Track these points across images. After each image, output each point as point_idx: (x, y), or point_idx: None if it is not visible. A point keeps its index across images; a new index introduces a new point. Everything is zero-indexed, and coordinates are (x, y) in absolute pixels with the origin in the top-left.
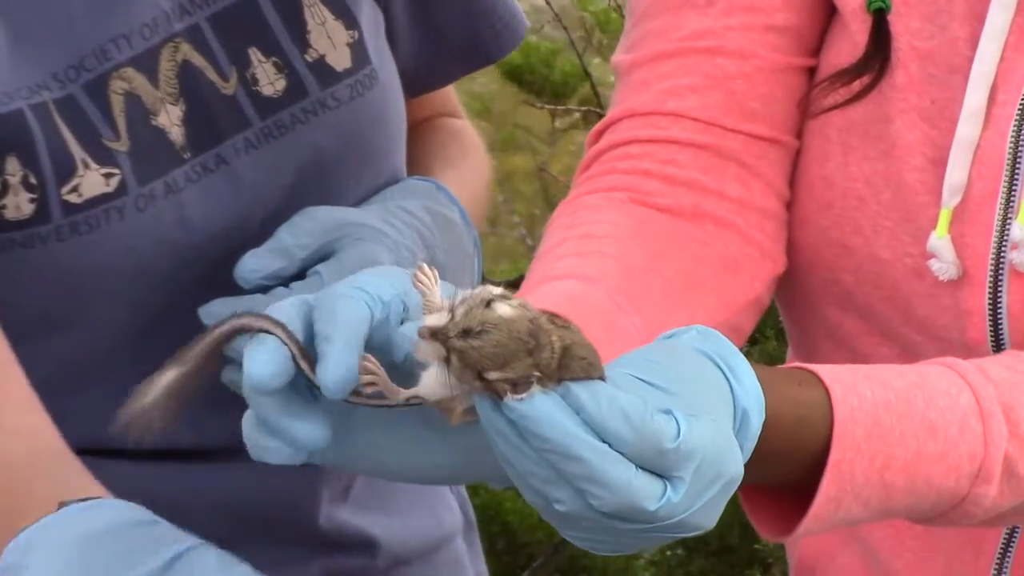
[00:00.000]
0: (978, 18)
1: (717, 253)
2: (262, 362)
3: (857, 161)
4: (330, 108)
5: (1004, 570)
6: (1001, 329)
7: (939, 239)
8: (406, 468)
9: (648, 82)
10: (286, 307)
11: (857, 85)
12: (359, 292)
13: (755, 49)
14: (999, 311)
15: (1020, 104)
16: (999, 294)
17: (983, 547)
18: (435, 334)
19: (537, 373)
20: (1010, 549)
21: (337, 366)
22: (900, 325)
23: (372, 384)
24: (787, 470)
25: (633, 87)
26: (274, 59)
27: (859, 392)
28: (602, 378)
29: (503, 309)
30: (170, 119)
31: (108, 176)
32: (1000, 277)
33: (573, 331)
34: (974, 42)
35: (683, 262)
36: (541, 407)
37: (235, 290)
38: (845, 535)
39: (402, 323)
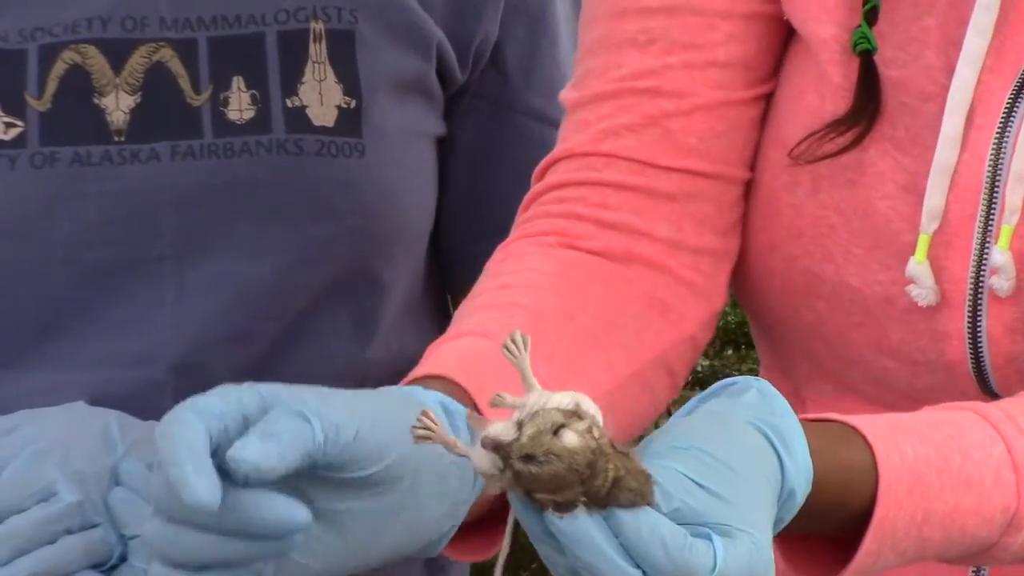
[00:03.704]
0: (953, 44)
1: (644, 292)
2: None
3: (827, 189)
4: (289, 152)
5: (982, 571)
6: (981, 351)
7: (918, 264)
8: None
9: (588, 122)
10: None
11: (850, 135)
12: (194, 415)
13: (694, 87)
14: (979, 334)
15: (998, 127)
16: (978, 317)
17: None
18: (497, 448)
19: (584, 499)
20: None
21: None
22: (873, 353)
23: (426, 439)
24: (827, 525)
25: (574, 126)
26: (253, 92)
27: (901, 449)
28: (649, 505)
29: (569, 439)
30: (117, 103)
31: (9, 126)
32: (979, 301)
33: (630, 459)
34: (949, 70)
35: (604, 305)
36: (581, 527)
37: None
38: None
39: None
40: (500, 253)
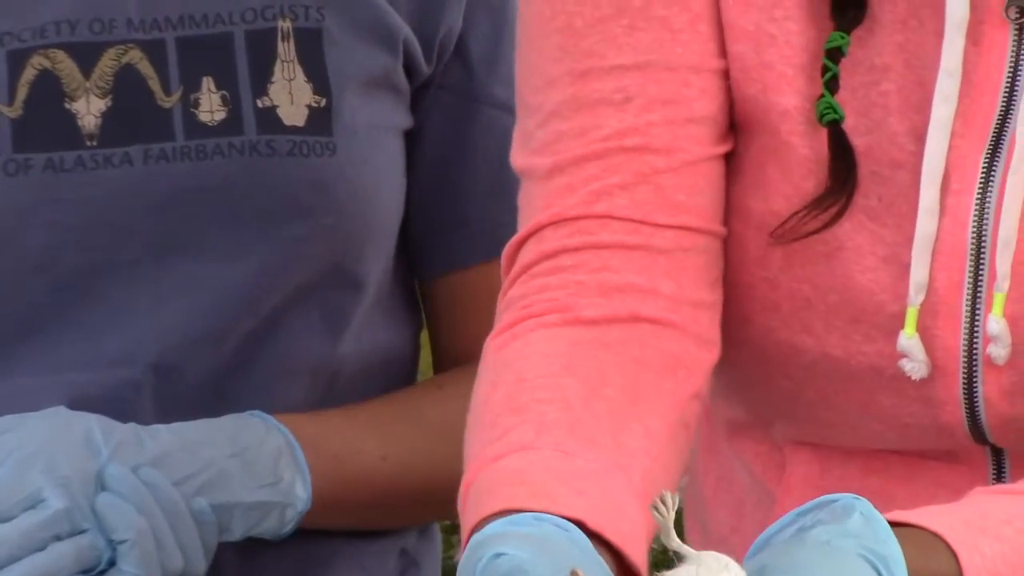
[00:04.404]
0: (915, 109)
1: (657, 352)
2: None
3: (801, 263)
4: (261, 153)
5: None
6: (978, 414)
7: (908, 339)
8: None
9: (573, 186)
10: None
11: (831, 211)
12: None
13: (679, 143)
14: (975, 398)
15: (978, 192)
16: (974, 383)
17: None
18: None
19: None
20: None
21: None
22: (859, 416)
23: None
24: None
25: (556, 192)
26: (223, 93)
27: (981, 551)
28: None
29: None
30: (89, 108)
31: None
32: (974, 367)
33: None
34: (914, 135)
35: (622, 374)
36: None
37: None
38: None
39: None
40: (502, 338)
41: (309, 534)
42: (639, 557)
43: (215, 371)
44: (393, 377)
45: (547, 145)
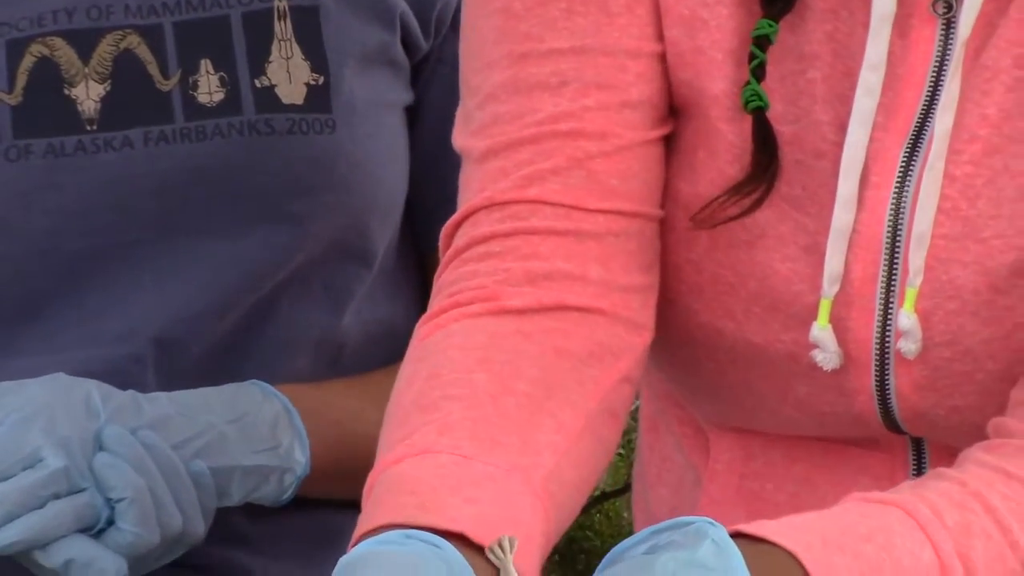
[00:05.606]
0: (840, 99)
1: (581, 340)
2: None
3: (724, 248)
4: (260, 133)
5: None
6: (890, 405)
7: (821, 330)
8: None
9: (506, 170)
10: None
11: (751, 197)
12: None
13: (613, 128)
14: (887, 390)
15: (895, 187)
16: (886, 375)
17: None
18: None
19: None
20: None
21: None
22: (777, 403)
23: None
24: None
25: (490, 175)
26: (221, 74)
27: (835, 569)
28: None
29: None
30: (88, 93)
31: None
32: (886, 360)
33: None
34: (837, 125)
35: (539, 367)
36: None
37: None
38: None
39: None
40: (425, 328)
41: (319, 506)
42: (527, 561)
43: (218, 344)
44: (396, 351)
45: (484, 127)
